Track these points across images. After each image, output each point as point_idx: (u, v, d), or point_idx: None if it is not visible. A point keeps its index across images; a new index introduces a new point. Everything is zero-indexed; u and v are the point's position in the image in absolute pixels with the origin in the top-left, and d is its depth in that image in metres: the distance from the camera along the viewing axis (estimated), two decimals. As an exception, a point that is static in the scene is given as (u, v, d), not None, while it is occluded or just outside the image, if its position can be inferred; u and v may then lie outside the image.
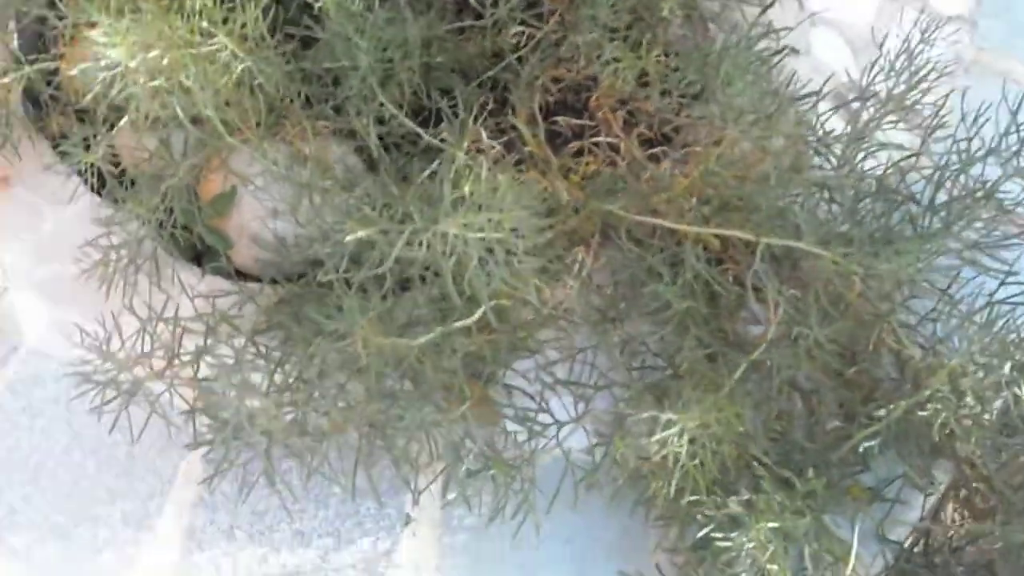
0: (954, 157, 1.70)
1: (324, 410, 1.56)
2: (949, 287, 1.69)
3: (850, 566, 1.57)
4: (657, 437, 1.53)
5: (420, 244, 1.51)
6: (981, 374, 1.62)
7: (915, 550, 1.74)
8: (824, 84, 1.77)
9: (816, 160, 1.81)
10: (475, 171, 1.47)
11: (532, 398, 1.69)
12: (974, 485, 1.74)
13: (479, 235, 1.48)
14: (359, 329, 1.51)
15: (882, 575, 1.68)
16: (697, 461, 1.57)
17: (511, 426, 1.68)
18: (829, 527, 1.63)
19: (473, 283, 1.51)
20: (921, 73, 1.74)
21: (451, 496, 1.66)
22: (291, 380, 1.60)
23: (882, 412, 1.61)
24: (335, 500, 1.67)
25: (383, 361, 1.56)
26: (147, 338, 1.60)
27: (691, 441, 1.55)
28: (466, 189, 1.48)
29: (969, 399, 1.61)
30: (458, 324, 1.56)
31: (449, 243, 1.48)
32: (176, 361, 1.61)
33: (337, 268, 1.59)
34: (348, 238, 1.52)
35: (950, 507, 1.79)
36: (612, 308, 1.74)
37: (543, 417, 1.68)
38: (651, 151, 1.82)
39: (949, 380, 1.60)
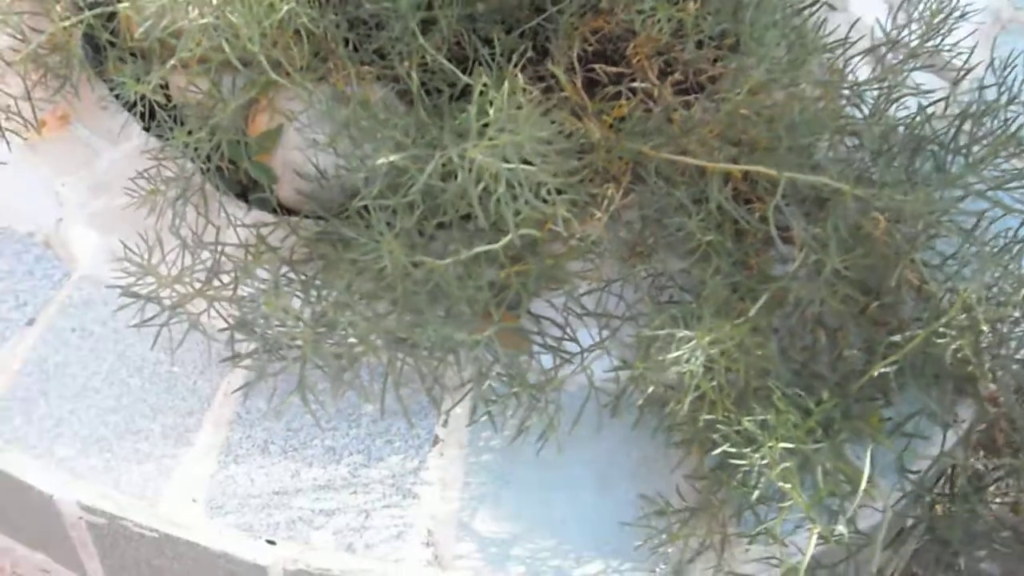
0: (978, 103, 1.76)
1: (359, 328, 1.64)
2: (975, 228, 1.74)
3: (861, 488, 1.62)
4: (674, 355, 1.59)
5: (451, 173, 1.60)
6: (996, 304, 1.67)
7: (937, 484, 1.78)
8: (849, 31, 1.84)
9: (849, 110, 1.88)
10: (498, 96, 1.55)
11: (559, 327, 1.76)
12: (997, 423, 1.78)
13: (506, 165, 1.56)
14: (385, 244, 1.60)
15: (900, 503, 1.72)
16: (714, 382, 1.63)
17: (539, 352, 1.75)
18: (845, 453, 1.68)
19: (500, 210, 1.59)
20: (947, 16, 1.80)
21: (478, 417, 1.73)
22: (326, 303, 1.69)
23: (898, 338, 1.67)
24: (366, 419, 1.75)
25: (411, 280, 1.65)
26: (189, 258, 1.69)
27: (708, 361, 1.61)
28: (491, 113, 1.56)
29: (985, 329, 1.66)
30: (484, 248, 1.64)
31: (476, 170, 1.56)
32: (216, 281, 1.70)
33: (372, 195, 1.68)
34: (380, 161, 1.62)
35: (972, 446, 1.84)
36: (640, 243, 1.82)
37: (570, 346, 1.75)
38: (685, 98, 1.90)
39: (964, 309, 1.65)
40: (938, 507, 1.78)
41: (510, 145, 1.56)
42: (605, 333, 1.77)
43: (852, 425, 1.71)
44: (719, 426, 1.63)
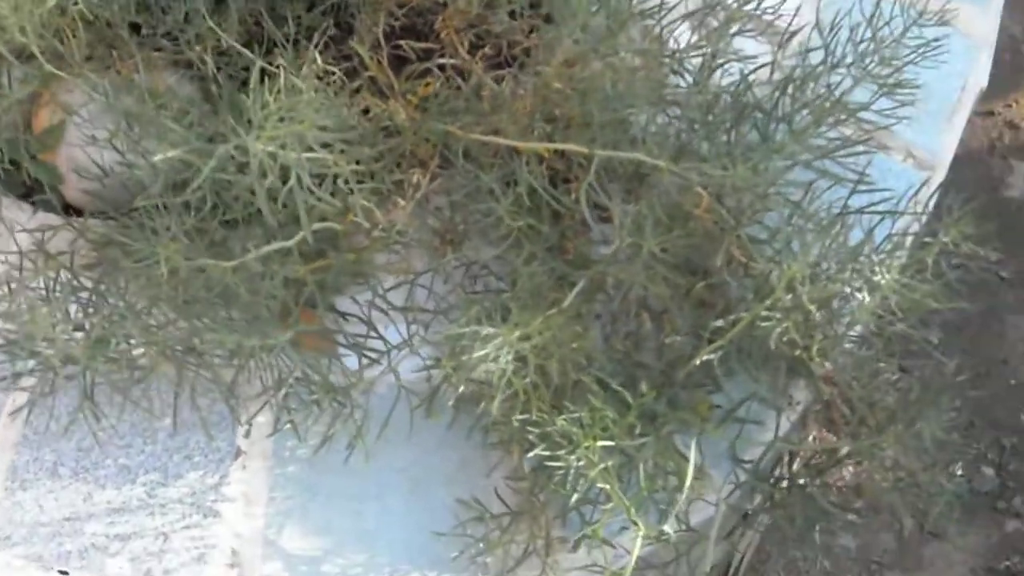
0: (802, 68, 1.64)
1: (138, 339, 1.49)
2: (803, 199, 1.61)
3: (687, 481, 1.49)
4: (479, 353, 1.45)
5: (238, 167, 1.46)
6: (824, 282, 1.55)
7: (775, 472, 1.66)
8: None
9: (673, 79, 1.75)
10: (275, 83, 1.41)
11: (365, 323, 1.62)
12: (834, 403, 1.66)
13: (291, 153, 1.41)
14: (161, 248, 1.45)
15: (735, 495, 1.60)
16: (527, 380, 1.50)
17: (345, 355, 1.61)
18: (673, 446, 1.56)
19: (290, 204, 1.45)
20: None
21: (280, 427, 1.59)
22: (110, 312, 1.53)
23: (720, 323, 1.54)
24: (163, 434, 1.61)
25: (199, 284, 1.50)
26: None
27: (519, 357, 1.48)
28: (270, 100, 1.42)
29: (812, 308, 1.53)
30: (275, 246, 1.50)
31: (262, 162, 1.42)
32: (-8, 294, 1.55)
33: (155, 193, 1.53)
34: (157, 158, 1.47)
35: (812, 430, 1.72)
36: (450, 231, 1.68)
37: (378, 345, 1.61)
38: (497, 73, 1.76)
39: (788, 288, 1.53)
40: (777, 495, 1.66)
41: (295, 135, 1.42)
42: (414, 329, 1.62)
43: (679, 415, 1.58)
44: (534, 426, 1.50)
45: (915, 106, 1.71)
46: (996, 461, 2.40)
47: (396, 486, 1.60)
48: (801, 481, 1.65)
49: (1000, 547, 2.26)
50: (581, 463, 1.46)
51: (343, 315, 1.63)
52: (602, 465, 1.46)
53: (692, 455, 1.51)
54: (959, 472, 1.69)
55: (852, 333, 1.63)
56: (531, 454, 1.49)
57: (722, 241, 1.61)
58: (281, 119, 1.41)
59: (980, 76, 1.90)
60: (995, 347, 2.53)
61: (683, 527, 1.55)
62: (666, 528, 1.50)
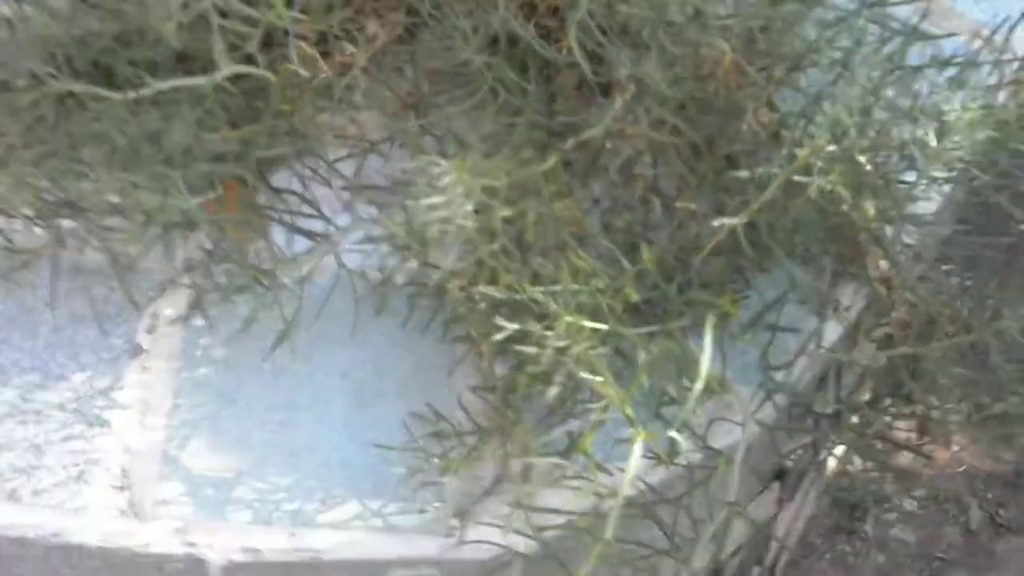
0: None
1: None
2: (847, 60, 1.20)
3: (701, 378, 1.06)
4: (431, 200, 1.04)
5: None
6: (874, 132, 1.12)
7: (819, 388, 1.22)
8: None
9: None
10: None
11: (302, 199, 1.21)
12: (891, 309, 1.23)
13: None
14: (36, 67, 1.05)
15: (762, 408, 1.16)
16: (496, 246, 1.08)
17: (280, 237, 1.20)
18: (686, 345, 1.12)
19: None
20: None
21: (192, 316, 1.18)
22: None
23: (746, 174, 1.12)
24: (46, 327, 1.19)
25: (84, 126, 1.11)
26: None
27: (478, 211, 1.06)
28: None
29: (862, 160, 1.11)
30: (185, 82, 1.10)
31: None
32: None
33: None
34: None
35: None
36: (412, 93, 1.26)
37: (318, 224, 1.20)
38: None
39: (832, 135, 1.11)
40: (823, 423, 1.22)
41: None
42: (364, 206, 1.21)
43: (693, 305, 1.15)
44: (503, 301, 1.07)
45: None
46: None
47: (335, 394, 1.17)
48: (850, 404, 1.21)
49: (1086, 542, 1.79)
50: (561, 343, 1.03)
51: (276, 190, 1.22)
52: (587, 345, 1.03)
53: (707, 347, 1.07)
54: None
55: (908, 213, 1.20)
56: (499, 336, 1.06)
57: (746, 111, 1.20)
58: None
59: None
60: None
61: (702, 445, 1.12)
62: (674, 435, 1.06)
